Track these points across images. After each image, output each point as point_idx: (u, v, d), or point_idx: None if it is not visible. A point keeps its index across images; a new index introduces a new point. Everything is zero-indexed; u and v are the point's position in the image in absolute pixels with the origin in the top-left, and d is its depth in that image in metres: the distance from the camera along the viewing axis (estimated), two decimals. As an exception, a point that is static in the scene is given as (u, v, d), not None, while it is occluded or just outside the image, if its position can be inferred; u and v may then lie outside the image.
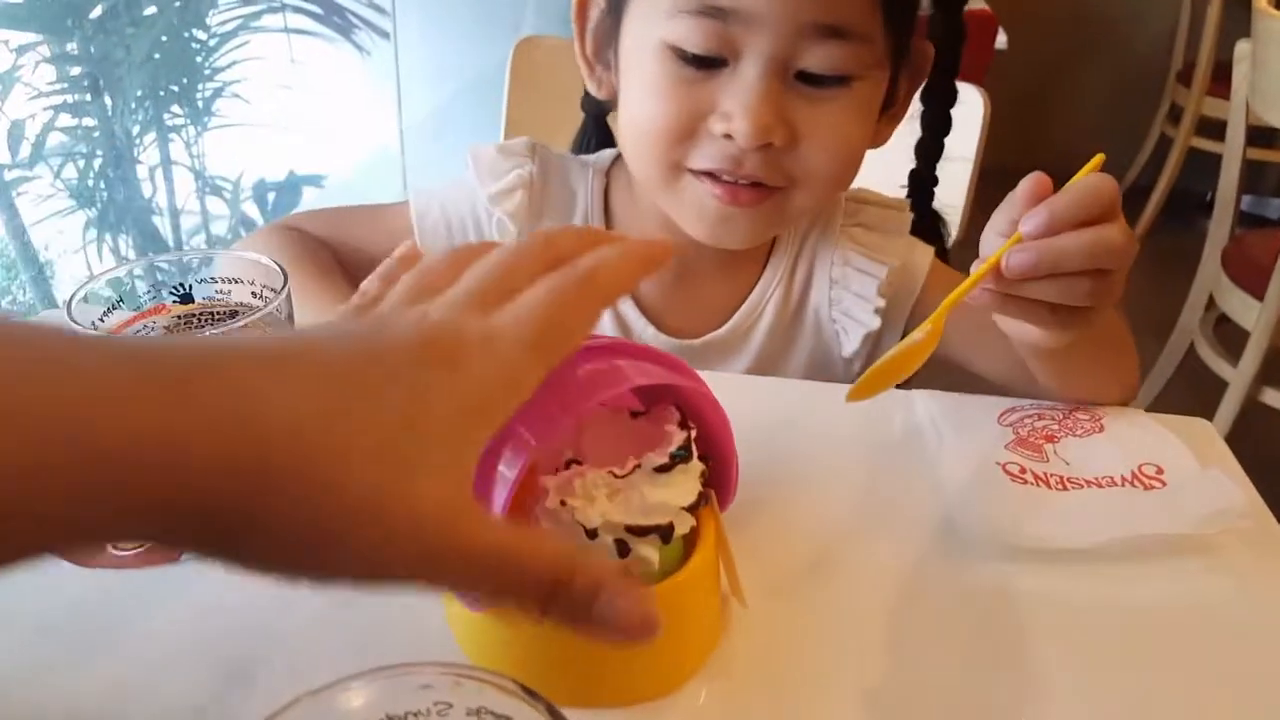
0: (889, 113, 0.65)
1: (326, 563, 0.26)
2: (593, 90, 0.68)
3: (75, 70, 1.93)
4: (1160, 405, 0.59)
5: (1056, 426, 0.57)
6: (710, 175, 0.59)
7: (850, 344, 0.69)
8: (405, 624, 0.42)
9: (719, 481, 0.43)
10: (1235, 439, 0.58)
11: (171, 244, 2.10)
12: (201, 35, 2.03)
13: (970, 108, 0.89)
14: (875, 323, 0.67)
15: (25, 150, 1.94)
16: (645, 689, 0.40)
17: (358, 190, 2.27)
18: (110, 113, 2.00)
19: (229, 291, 0.49)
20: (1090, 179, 0.46)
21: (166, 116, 2.03)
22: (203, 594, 0.45)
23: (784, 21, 0.54)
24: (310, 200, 2.17)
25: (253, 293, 0.49)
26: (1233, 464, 0.56)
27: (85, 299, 0.46)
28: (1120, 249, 0.45)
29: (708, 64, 0.56)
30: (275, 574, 0.25)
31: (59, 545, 0.24)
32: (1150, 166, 2.96)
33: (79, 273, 2.01)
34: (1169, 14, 2.93)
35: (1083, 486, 0.52)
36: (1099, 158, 0.48)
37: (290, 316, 0.47)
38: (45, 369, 0.23)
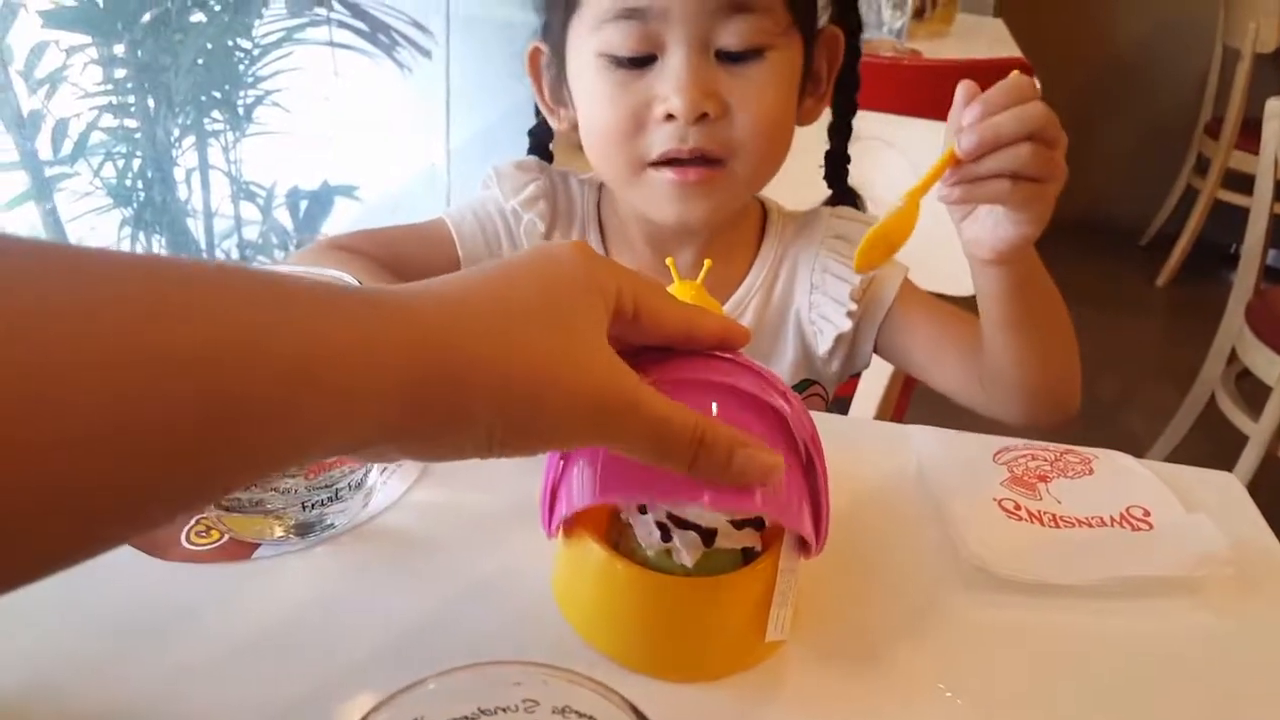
0: (815, 93, 0.73)
1: (528, 427, 0.32)
2: (556, 127, 0.76)
3: (121, 73, 1.96)
4: (1179, 456, 0.61)
5: (1049, 467, 0.59)
6: (666, 164, 0.66)
7: (825, 343, 0.75)
8: (509, 608, 0.45)
9: (813, 522, 0.44)
10: (1253, 494, 0.59)
11: (204, 246, 2.13)
12: (246, 44, 2.06)
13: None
14: (847, 324, 0.74)
15: (67, 147, 1.98)
16: (729, 662, 0.43)
17: (402, 206, 2.30)
18: (152, 115, 2.03)
19: None
20: (1009, 77, 0.55)
21: (206, 122, 2.07)
22: (276, 590, 0.47)
23: (694, 7, 0.62)
24: (342, 211, 2.20)
25: None
26: (1257, 517, 0.57)
27: None
28: (1046, 116, 0.54)
29: (639, 63, 0.64)
30: (494, 448, 0.32)
31: (320, 447, 0.29)
32: (1176, 217, 2.96)
33: (111, 270, 2.05)
34: (1198, 68, 2.95)
35: (1074, 525, 0.54)
36: (1015, 72, 0.56)
37: None
38: (296, 304, 0.28)
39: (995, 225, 0.59)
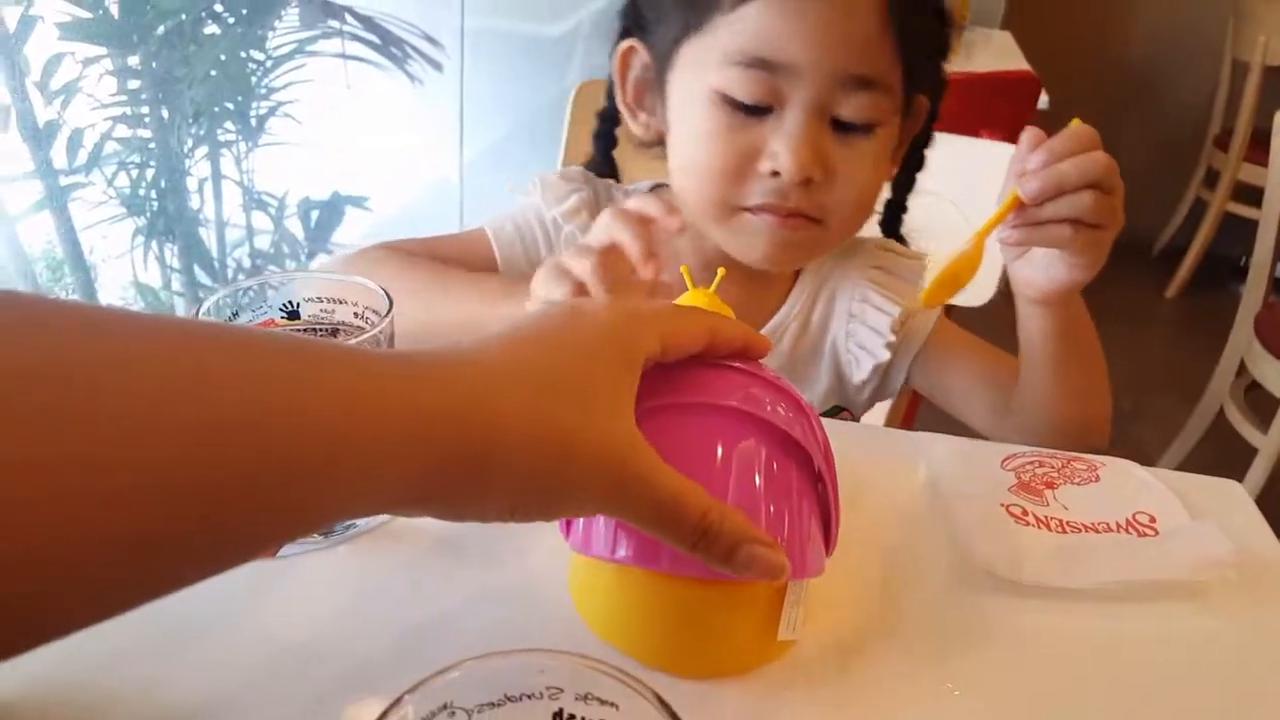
0: (895, 156, 0.73)
1: (546, 497, 0.33)
2: (637, 133, 0.75)
3: (136, 84, 1.99)
4: (1187, 468, 0.62)
5: (1056, 474, 0.59)
6: (764, 209, 0.66)
7: (861, 373, 0.75)
8: (528, 604, 0.46)
9: (824, 529, 0.45)
10: (1262, 506, 0.59)
11: (216, 256, 2.15)
12: (259, 56, 2.08)
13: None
14: (885, 356, 0.74)
15: (82, 157, 2.00)
16: (743, 661, 0.44)
17: (415, 217, 2.31)
18: (166, 126, 2.05)
19: (332, 311, 0.52)
20: (1072, 126, 0.58)
21: (219, 132, 2.09)
22: (301, 587, 0.47)
23: (824, 73, 0.61)
24: (353, 221, 2.21)
25: (354, 313, 0.52)
26: (1262, 525, 0.57)
27: (208, 312, 0.49)
28: (1108, 165, 0.56)
29: (755, 111, 0.63)
30: (514, 514, 0.33)
31: (339, 516, 0.30)
32: (1185, 229, 2.97)
33: (122, 277, 2.06)
34: (1208, 80, 2.95)
35: (1080, 531, 0.54)
36: (1076, 120, 0.59)
37: (391, 339, 0.50)
38: (330, 371, 0.29)
39: (1049, 267, 0.61)
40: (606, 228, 0.57)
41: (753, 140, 0.64)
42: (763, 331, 0.75)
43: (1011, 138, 0.87)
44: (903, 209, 0.83)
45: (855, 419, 0.81)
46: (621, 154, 0.84)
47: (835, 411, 0.80)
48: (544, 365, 0.33)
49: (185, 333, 0.27)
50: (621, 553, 0.41)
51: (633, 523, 0.36)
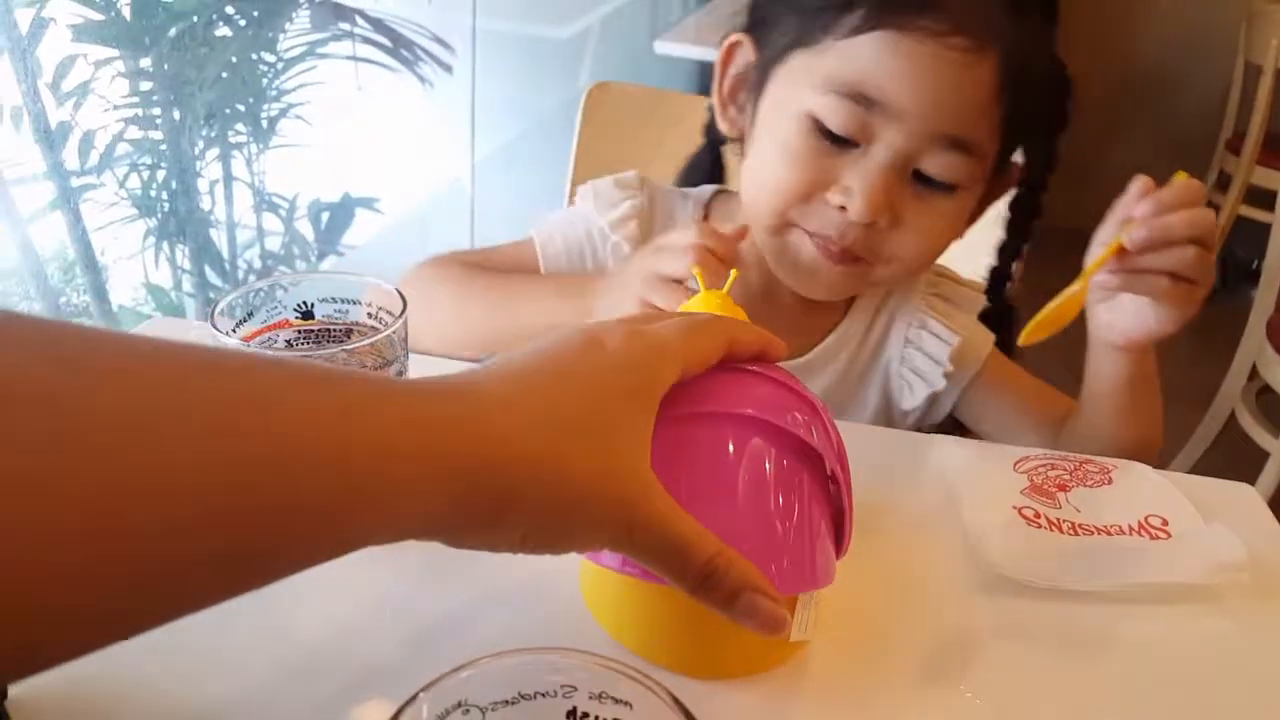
0: (975, 216, 0.71)
1: (558, 533, 0.33)
2: (722, 128, 0.74)
3: (147, 85, 1.99)
4: (1198, 472, 0.61)
5: (1068, 477, 0.59)
6: (819, 237, 0.65)
7: (913, 400, 0.74)
8: (541, 604, 0.46)
9: (836, 529, 0.45)
10: (1275, 511, 0.59)
11: (226, 257, 2.15)
12: (270, 58, 2.09)
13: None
14: (942, 384, 0.73)
15: (93, 159, 2.01)
16: (755, 661, 0.44)
17: (427, 220, 2.32)
18: (177, 127, 2.06)
19: (346, 311, 0.52)
20: (1181, 181, 0.58)
21: (230, 134, 2.10)
22: (311, 586, 0.46)
23: (920, 124, 0.60)
24: (363, 223, 2.22)
25: (368, 314, 0.52)
26: (1275, 529, 0.57)
27: (222, 312, 0.49)
28: (1212, 223, 0.57)
29: (841, 141, 0.62)
30: (526, 547, 0.33)
31: (369, 542, 0.29)
32: (1196, 233, 2.95)
33: (133, 278, 2.07)
34: (1220, 83, 2.94)
35: (1092, 533, 0.54)
36: (1182, 174, 0.59)
37: (404, 340, 0.50)
38: (375, 409, 0.29)
39: (1137, 315, 0.61)
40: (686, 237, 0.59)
41: (831, 170, 0.63)
42: (818, 349, 0.76)
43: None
44: (1008, 277, 0.81)
45: None
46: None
47: None
48: (562, 405, 0.33)
49: (246, 365, 0.27)
50: (632, 569, 0.41)
51: (639, 561, 0.36)
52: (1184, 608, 0.50)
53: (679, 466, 0.40)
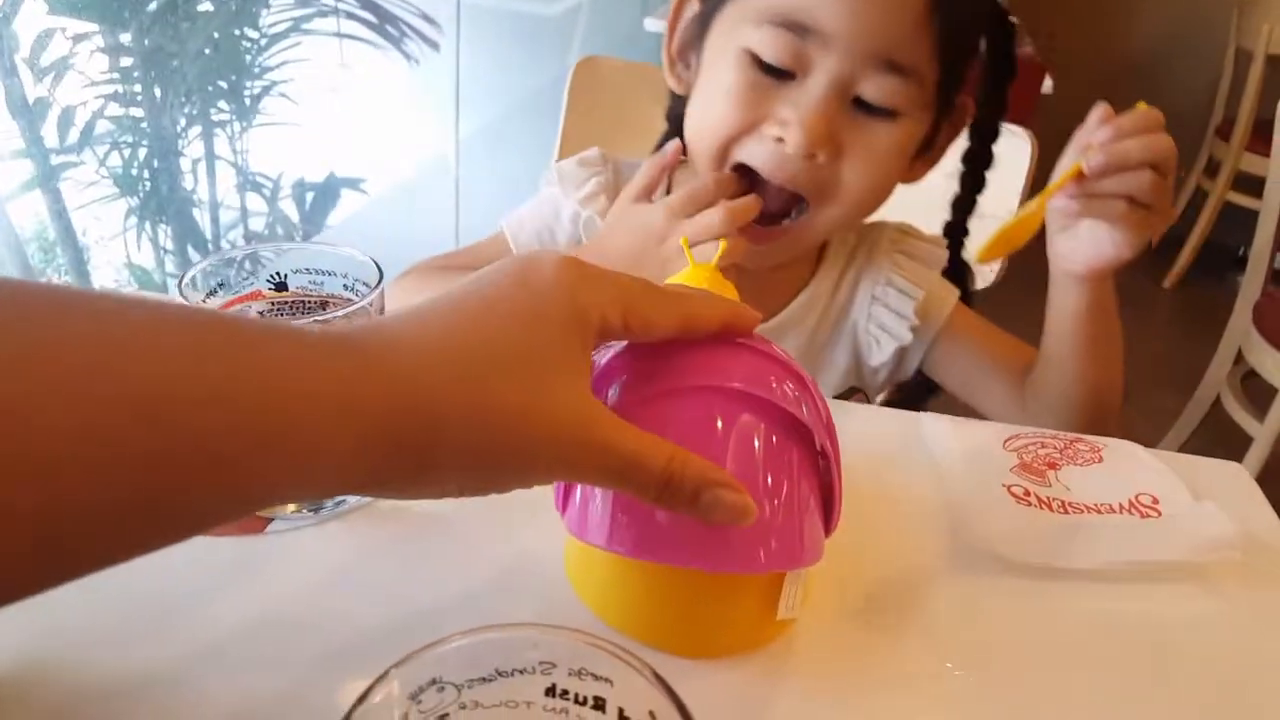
0: (926, 156, 0.71)
1: (495, 472, 0.32)
2: (672, 86, 0.74)
3: (127, 61, 1.96)
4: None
5: (1058, 455, 0.58)
6: (748, 172, 0.65)
7: (881, 355, 0.75)
8: (521, 580, 0.45)
9: (825, 506, 0.44)
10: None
11: (209, 237, 2.13)
12: (253, 34, 2.06)
13: (1018, 149, 0.91)
14: (908, 338, 0.74)
15: (73, 136, 1.98)
16: (742, 640, 0.43)
17: (412, 197, 2.30)
18: (159, 105, 2.03)
19: (321, 283, 0.51)
20: (1140, 109, 0.59)
21: (213, 112, 2.07)
22: (289, 563, 0.46)
23: (854, 47, 0.60)
24: (348, 203, 2.20)
25: (344, 285, 0.50)
26: (1265, 508, 0.57)
27: (193, 281, 0.47)
28: (1170, 149, 0.57)
29: (779, 74, 0.62)
30: (464, 490, 0.32)
31: (282, 495, 0.28)
32: (1184, 219, 2.95)
33: (115, 258, 2.05)
34: (1211, 70, 2.94)
35: (1082, 512, 0.53)
36: (1142, 104, 0.60)
37: (381, 311, 0.49)
38: (264, 349, 0.27)
39: (1094, 243, 0.62)
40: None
41: (769, 103, 0.63)
42: (786, 312, 0.76)
43: (1014, 120, 0.87)
44: (964, 231, 0.82)
45: (869, 400, 0.81)
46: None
47: (851, 393, 0.80)
48: (486, 339, 0.32)
49: (120, 306, 0.26)
50: (618, 547, 0.39)
51: (593, 483, 0.35)
52: (1174, 586, 0.50)
53: None
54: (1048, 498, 0.54)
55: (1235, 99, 2.77)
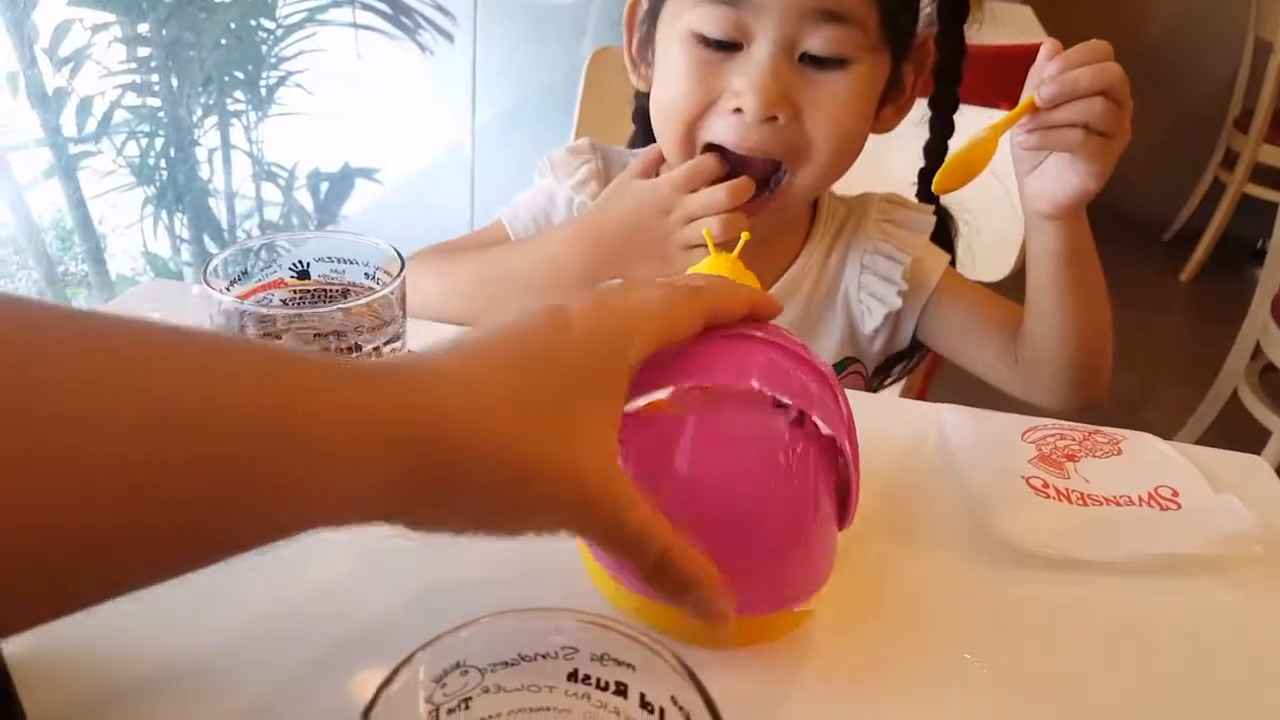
0: (896, 103, 0.72)
1: (512, 516, 0.32)
2: (635, 84, 0.76)
3: (145, 51, 1.97)
4: (1201, 448, 0.61)
5: (1077, 447, 0.58)
6: (718, 151, 0.67)
7: (873, 321, 0.77)
8: (541, 566, 0.45)
9: (841, 500, 0.44)
10: (1278, 487, 0.58)
11: (225, 226, 2.14)
12: (269, 25, 2.07)
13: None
14: (897, 303, 0.75)
15: (91, 125, 1.99)
16: (760, 630, 0.43)
17: (427, 186, 2.30)
18: (176, 95, 2.04)
19: (343, 271, 0.51)
20: (1090, 41, 0.59)
21: (229, 102, 2.08)
22: (304, 551, 0.46)
23: (787, 6, 0.62)
24: (363, 192, 2.20)
25: (366, 273, 0.51)
26: None
27: (215, 270, 0.48)
28: (1120, 76, 0.58)
29: (725, 47, 0.64)
30: (476, 530, 0.31)
31: (306, 527, 0.28)
32: (1202, 211, 2.93)
33: (131, 247, 2.06)
34: (1229, 60, 2.91)
35: (1101, 504, 0.53)
36: (1094, 39, 0.60)
37: (403, 300, 0.49)
38: (297, 378, 0.27)
39: (1059, 178, 0.62)
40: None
41: (721, 77, 0.65)
42: (778, 285, 0.77)
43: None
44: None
45: (866, 372, 0.82)
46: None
47: (847, 363, 0.80)
48: (521, 385, 0.32)
49: (143, 330, 0.26)
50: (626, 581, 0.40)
51: (595, 544, 0.36)
52: (1194, 579, 0.50)
53: (671, 457, 0.39)
54: (1066, 489, 0.54)
55: (1254, 90, 2.74)
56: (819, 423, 0.40)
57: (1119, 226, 2.99)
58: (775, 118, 0.64)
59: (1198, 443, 0.61)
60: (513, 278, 0.72)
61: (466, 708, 0.29)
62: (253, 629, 0.42)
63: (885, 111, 0.72)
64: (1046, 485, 0.54)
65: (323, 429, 0.27)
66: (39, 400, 0.22)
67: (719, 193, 0.64)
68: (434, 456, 0.29)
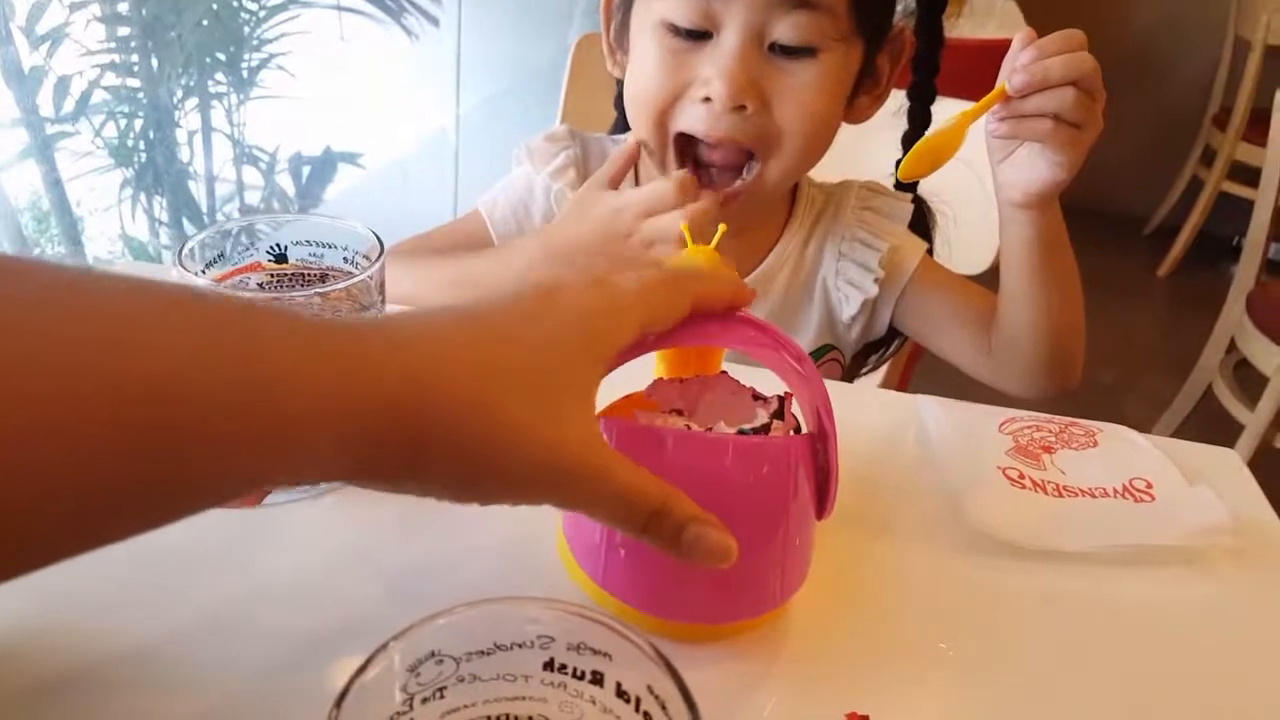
0: (872, 92, 0.73)
1: (485, 485, 0.31)
2: (612, 71, 0.76)
3: (125, 31, 1.95)
4: (1175, 443, 0.62)
5: (1054, 439, 0.59)
6: (689, 141, 0.67)
7: (850, 309, 0.77)
8: (517, 557, 0.45)
9: (820, 490, 0.44)
10: (1253, 478, 0.59)
11: (205, 209, 2.12)
12: (252, 6, 2.04)
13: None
14: (874, 290, 0.76)
15: (68, 106, 1.96)
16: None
17: (411, 171, 2.28)
18: (155, 76, 2.01)
19: (321, 255, 0.51)
20: (1063, 30, 0.59)
21: (210, 84, 2.05)
22: (285, 536, 0.47)
23: None
24: (344, 177, 2.19)
25: (344, 258, 0.50)
26: (1258, 494, 0.57)
27: (191, 253, 0.47)
28: (1092, 66, 0.58)
29: (695, 36, 0.65)
30: (446, 497, 0.31)
31: (269, 482, 0.28)
32: (1180, 207, 2.96)
33: (110, 229, 2.04)
34: (1209, 58, 2.93)
35: (1077, 495, 0.54)
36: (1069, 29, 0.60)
37: (381, 285, 0.49)
38: (271, 337, 0.27)
39: (1030, 167, 0.63)
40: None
41: (691, 66, 0.65)
42: (756, 272, 0.77)
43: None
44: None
45: (844, 359, 0.82)
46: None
47: (825, 350, 0.81)
48: (503, 354, 0.32)
49: (130, 285, 0.26)
50: (619, 593, 0.40)
51: (581, 511, 0.35)
52: (1167, 570, 0.50)
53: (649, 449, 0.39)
54: (1042, 480, 0.55)
55: (1233, 88, 2.76)
56: (798, 416, 0.41)
57: (1099, 221, 3.01)
58: (744, 106, 0.64)
59: (1173, 435, 0.62)
60: (480, 289, 0.72)
61: (441, 696, 0.29)
62: (224, 616, 0.42)
63: (860, 101, 0.72)
64: (1023, 476, 0.55)
65: (293, 400, 0.27)
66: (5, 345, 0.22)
67: (675, 220, 0.63)
68: (404, 420, 0.29)
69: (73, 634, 0.40)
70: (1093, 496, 0.54)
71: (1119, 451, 0.58)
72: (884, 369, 0.97)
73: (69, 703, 0.37)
